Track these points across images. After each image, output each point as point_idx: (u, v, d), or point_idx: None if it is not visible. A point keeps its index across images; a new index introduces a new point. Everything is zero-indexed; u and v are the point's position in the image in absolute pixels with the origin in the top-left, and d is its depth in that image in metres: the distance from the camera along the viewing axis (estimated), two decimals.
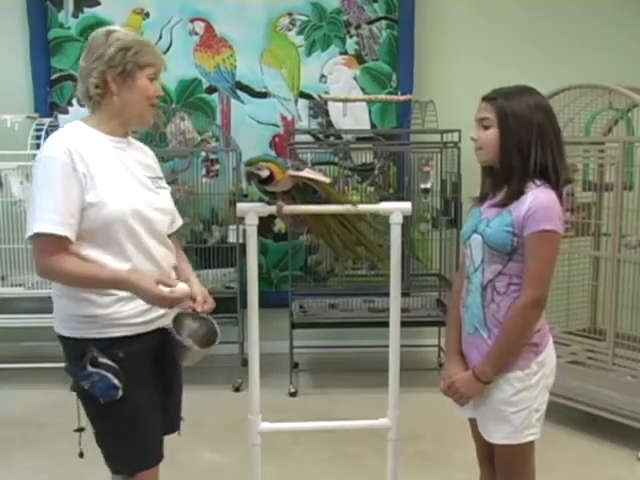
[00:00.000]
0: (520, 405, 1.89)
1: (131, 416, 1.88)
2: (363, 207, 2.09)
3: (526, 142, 1.85)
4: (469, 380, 1.91)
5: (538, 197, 1.83)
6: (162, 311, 1.92)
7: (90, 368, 1.81)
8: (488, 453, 2.03)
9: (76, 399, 1.92)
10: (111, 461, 1.94)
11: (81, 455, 2.12)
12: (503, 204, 1.88)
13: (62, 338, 1.89)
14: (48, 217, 1.75)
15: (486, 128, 1.90)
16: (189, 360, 1.96)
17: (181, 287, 1.83)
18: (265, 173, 1.96)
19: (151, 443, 1.95)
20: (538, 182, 1.86)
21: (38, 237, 1.76)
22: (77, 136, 1.84)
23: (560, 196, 1.88)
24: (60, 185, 1.77)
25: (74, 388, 1.89)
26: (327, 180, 2.07)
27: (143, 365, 1.90)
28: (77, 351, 1.84)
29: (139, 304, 1.85)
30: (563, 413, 3.34)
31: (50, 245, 1.76)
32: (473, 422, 2.05)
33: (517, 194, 1.86)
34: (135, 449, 1.91)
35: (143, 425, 1.91)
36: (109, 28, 1.93)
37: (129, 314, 1.86)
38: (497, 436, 1.92)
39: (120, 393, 1.83)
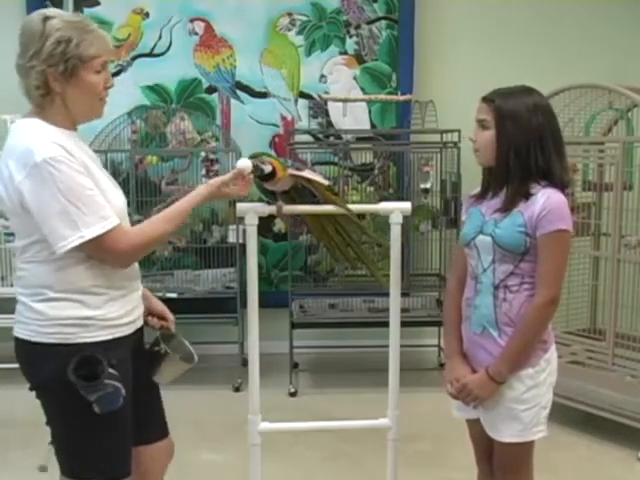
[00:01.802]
0: (530, 402, 1.89)
1: (123, 425, 1.82)
2: (362, 207, 2.09)
3: (524, 144, 1.84)
4: (483, 381, 1.89)
5: (551, 197, 1.83)
6: (141, 311, 1.91)
7: (107, 380, 1.70)
8: (487, 453, 2.04)
9: (45, 404, 1.81)
10: (84, 469, 1.81)
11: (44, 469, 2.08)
12: (507, 207, 1.88)
13: (42, 346, 1.73)
14: (96, 216, 1.67)
15: (485, 129, 1.90)
16: (168, 377, 1.97)
17: (241, 165, 1.88)
18: (268, 168, 1.94)
19: (129, 451, 1.88)
20: (543, 183, 1.86)
21: (98, 238, 1.67)
22: (52, 133, 1.70)
23: (565, 196, 1.89)
24: (82, 181, 1.67)
25: (49, 392, 1.76)
26: (325, 182, 2.07)
27: (128, 370, 1.83)
28: (64, 359, 1.70)
29: (125, 303, 1.82)
30: (563, 413, 3.34)
31: (115, 235, 1.70)
32: (471, 422, 2.06)
33: (522, 195, 1.86)
34: (121, 457, 1.84)
35: (128, 433, 1.85)
36: (45, 13, 1.70)
37: (119, 314, 1.79)
38: (507, 434, 1.92)
39: (121, 402, 1.75)
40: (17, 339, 1.80)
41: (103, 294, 1.76)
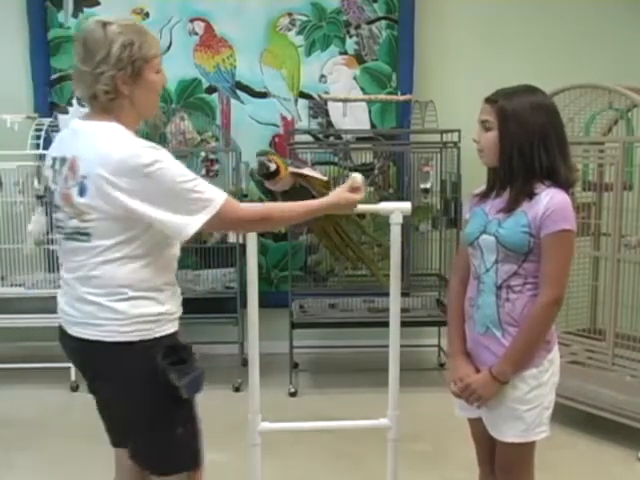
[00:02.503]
0: (533, 403, 1.89)
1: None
2: (362, 207, 2.09)
3: (527, 144, 1.84)
4: (486, 381, 1.89)
5: (555, 197, 1.83)
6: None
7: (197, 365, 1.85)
8: (488, 452, 2.03)
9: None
10: (177, 460, 1.94)
11: None
12: (511, 207, 1.87)
13: (123, 345, 1.77)
14: (212, 190, 1.75)
15: (488, 130, 1.89)
16: None
17: (354, 177, 1.98)
18: (273, 166, 2.00)
19: None
20: (547, 182, 1.86)
21: (223, 207, 1.74)
22: (133, 136, 1.76)
23: (569, 196, 1.88)
24: (184, 168, 1.74)
25: (132, 390, 1.80)
26: (324, 178, 2.10)
27: None
28: (145, 354, 1.77)
29: (179, 297, 1.90)
30: (563, 413, 3.33)
31: (232, 204, 1.78)
32: (473, 422, 2.05)
33: (526, 195, 1.85)
34: (202, 444, 1.99)
35: None
36: (102, 20, 1.75)
37: (176, 309, 1.88)
38: (509, 434, 1.92)
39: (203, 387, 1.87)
40: (87, 341, 1.79)
41: (168, 290, 1.85)
